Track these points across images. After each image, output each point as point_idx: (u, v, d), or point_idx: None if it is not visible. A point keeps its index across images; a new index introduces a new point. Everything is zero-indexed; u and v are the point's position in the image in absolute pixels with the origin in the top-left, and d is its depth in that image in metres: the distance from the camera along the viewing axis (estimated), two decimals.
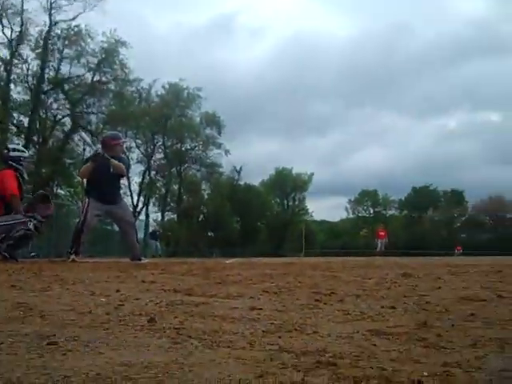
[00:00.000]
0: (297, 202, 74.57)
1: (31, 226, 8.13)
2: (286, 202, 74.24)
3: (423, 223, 74.57)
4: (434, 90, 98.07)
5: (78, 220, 9.07)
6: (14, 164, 8.40)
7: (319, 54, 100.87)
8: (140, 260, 8.93)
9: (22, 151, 8.95)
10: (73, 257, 8.44)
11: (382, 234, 35.55)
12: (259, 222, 70.67)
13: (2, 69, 38.28)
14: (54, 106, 43.07)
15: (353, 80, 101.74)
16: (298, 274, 5.07)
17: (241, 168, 64.20)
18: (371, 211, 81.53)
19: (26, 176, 8.69)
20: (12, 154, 8.53)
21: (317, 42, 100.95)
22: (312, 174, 73.34)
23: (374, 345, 1.81)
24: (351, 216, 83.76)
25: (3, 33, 38.24)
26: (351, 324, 2.27)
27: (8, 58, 38.37)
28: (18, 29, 38.46)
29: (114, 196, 9.24)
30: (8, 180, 8.22)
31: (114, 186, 9.16)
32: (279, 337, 1.93)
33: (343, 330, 2.08)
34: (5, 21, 38.07)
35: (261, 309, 2.66)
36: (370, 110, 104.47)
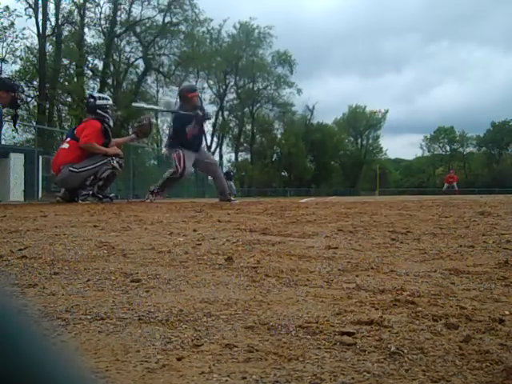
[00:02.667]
0: (371, 141, 73.42)
1: (115, 164, 8.46)
2: (359, 140, 73.21)
3: (504, 161, 71.95)
4: None
5: (173, 169, 9.22)
6: (101, 112, 8.64)
7: None
8: (230, 201, 9.05)
9: (107, 99, 9.19)
10: (152, 198, 8.74)
11: (451, 180, 34.20)
12: (333, 161, 70.13)
13: (75, 13, 38.80)
14: (127, 48, 43.57)
15: (429, 13, 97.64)
16: (374, 213, 5.03)
17: (313, 107, 63.55)
18: (448, 149, 79.27)
19: (111, 123, 8.93)
20: (99, 102, 8.77)
21: None
22: (386, 111, 71.90)
23: (453, 283, 1.79)
24: (427, 154, 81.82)
25: None
26: (429, 263, 2.24)
27: (81, 1, 38.82)
28: None
29: (201, 144, 9.63)
30: (88, 129, 8.48)
31: (201, 136, 9.57)
32: (356, 275, 1.93)
33: (421, 269, 2.06)
34: None
35: (337, 248, 2.67)
36: (448, 44, 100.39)
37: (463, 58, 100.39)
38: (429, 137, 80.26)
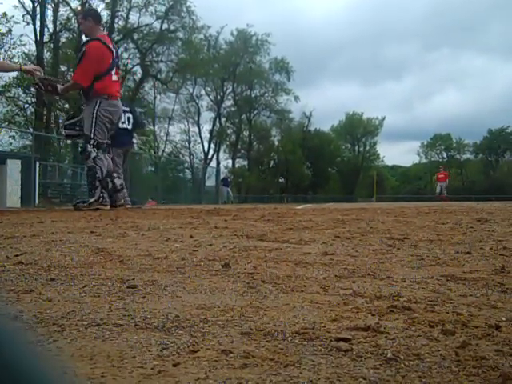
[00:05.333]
0: (368, 147, 73.46)
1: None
2: (356, 147, 73.25)
3: (500, 167, 72.00)
4: None
5: None
6: None
7: None
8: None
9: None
10: None
11: (442, 176, 32.73)
12: (330, 167, 70.11)
13: (73, 20, 38.89)
14: (125, 55, 43.62)
15: (432, 20, 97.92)
16: (370, 220, 5.03)
17: (311, 114, 63.66)
18: (444, 155, 79.34)
19: None
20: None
21: None
22: (383, 118, 72.09)
23: (450, 290, 1.78)
24: (424, 161, 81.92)
25: None
26: (425, 269, 2.24)
27: (79, 8, 38.87)
28: None
29: None
30: None
31: None
32: (353, 281, 1.93)
33: (417, 275, 2.06)
34: None
35: (333, 254, 2.66)
36: (448, 52, 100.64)
37: (463, 65, 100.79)
38: (425, 144, 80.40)
